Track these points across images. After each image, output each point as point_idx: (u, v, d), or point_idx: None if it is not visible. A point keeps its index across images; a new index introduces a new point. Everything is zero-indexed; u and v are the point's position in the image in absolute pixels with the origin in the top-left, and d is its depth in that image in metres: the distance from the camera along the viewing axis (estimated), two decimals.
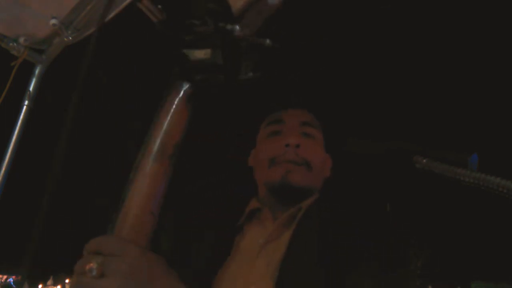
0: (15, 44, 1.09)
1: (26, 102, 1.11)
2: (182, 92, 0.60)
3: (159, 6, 0.60)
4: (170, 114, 0.60)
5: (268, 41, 0.58)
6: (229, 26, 0.56)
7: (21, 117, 1.10)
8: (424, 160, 0.56)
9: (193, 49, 0.57)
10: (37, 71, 1.14)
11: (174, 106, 0.60)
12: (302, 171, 0.94)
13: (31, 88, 1.12)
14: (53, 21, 1.02)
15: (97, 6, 1.01)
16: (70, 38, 1.07)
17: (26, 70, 1.12)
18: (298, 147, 0.95)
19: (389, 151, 0.63)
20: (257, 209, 0.97)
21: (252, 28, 0.57)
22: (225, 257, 0.89)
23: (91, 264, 0.50)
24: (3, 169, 1.05)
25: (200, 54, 0.56)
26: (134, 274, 0.51)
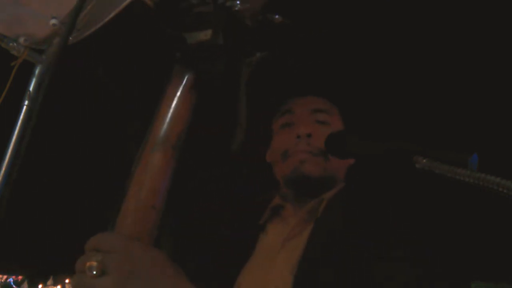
0: (15, 44, 1.09)
1: (26, 102, 1.11)
2: (185, 79, 0.57)
3: None
4: (173, 102, 0.56)
5: (277, 16, 0.54)
6: (229, 3, 0.52)
7: (21, 117, 1.10)
8: (424, 160, 0.56)
9: (193, 32, 0.53)
10: (37, 71, 1.14)
11: (177, 94, 0.56)
12: (317, 161, 0.90)
13: (31, 88, 1.12)
14: (53, 21, 1.02)
15: (97, 6, 1.01)
16: (70, 38, 1.07)
17: (26, 70, 1.12)
18: (310, 137, 0.92)
19: (389, 151, 0.62)
20: (279, 205, 0.95)
21: (255, 2, 0.53)
22: (248, 256, 0.87)
23: (91, 262, 0.48)
24: (3, 169, 1.05)
25: (200, 36, 0.52)
26: (137, 272, 0.48)
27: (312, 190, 0.90)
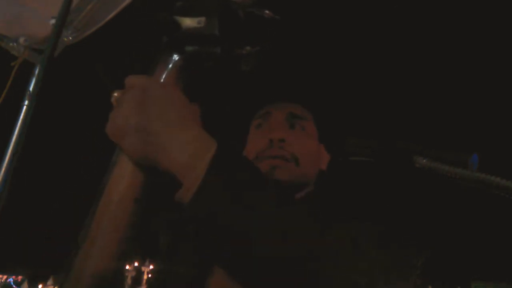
0: (15, 44, 1.09)
1: (26, 102, 1.11)
2: (171, 65, 0.54)
3: None
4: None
5: (267, 11, 0.53)
6: None
7: (21, 117, 1.10)
8: (424, 160, 0.56)
9: (185, 17, 0.51)
10: (37, 71, 1.14)
11: (162, 81, 0.54)
12: (288, 166, 0.92)
13: (31, 88, 1.12)
14: (53, 21, 1.02)
15: (97, 6, 1.01)
16: (70, 38, 1.07)
17: (26, 70, 1.12)
18: (283, 141, 0.93)
19: (389, 151, 0.63)
20: None
21: None
22: None
23: (114, 94, 0.53)
24: (3, 169, 1.05)
25: (193, 22, 0.51)
26: (145, 105, 0.51)
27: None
